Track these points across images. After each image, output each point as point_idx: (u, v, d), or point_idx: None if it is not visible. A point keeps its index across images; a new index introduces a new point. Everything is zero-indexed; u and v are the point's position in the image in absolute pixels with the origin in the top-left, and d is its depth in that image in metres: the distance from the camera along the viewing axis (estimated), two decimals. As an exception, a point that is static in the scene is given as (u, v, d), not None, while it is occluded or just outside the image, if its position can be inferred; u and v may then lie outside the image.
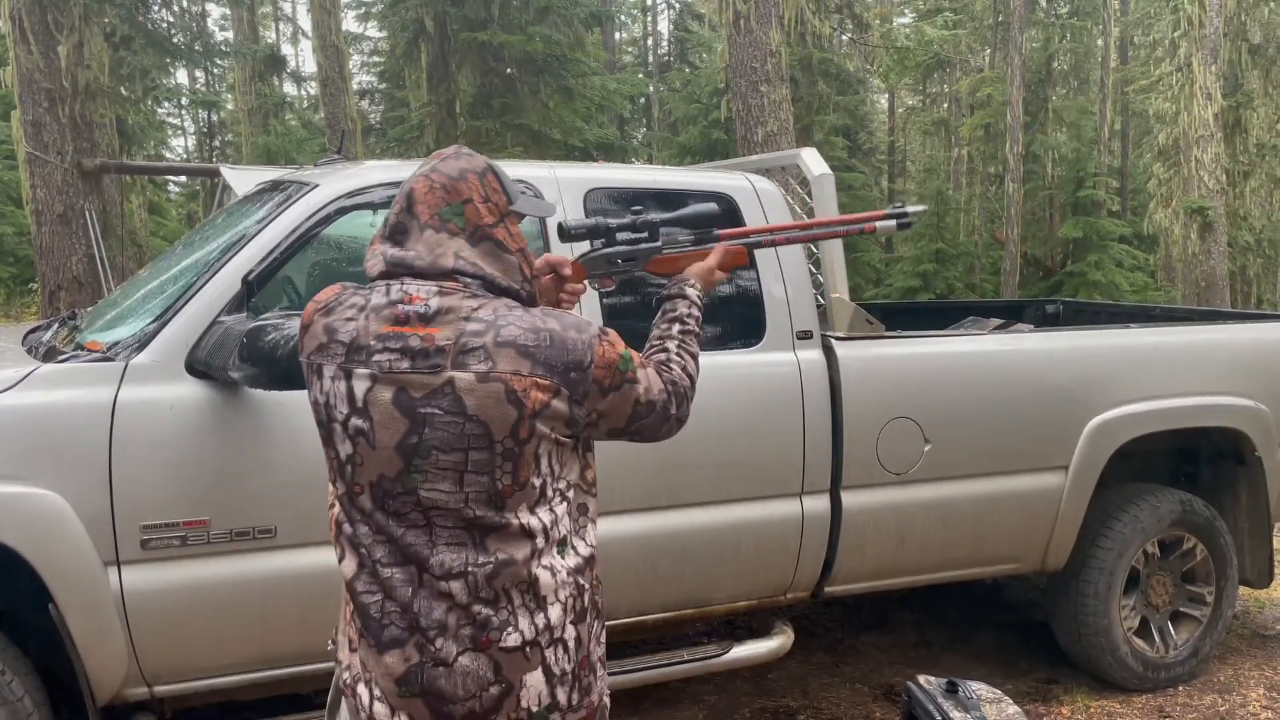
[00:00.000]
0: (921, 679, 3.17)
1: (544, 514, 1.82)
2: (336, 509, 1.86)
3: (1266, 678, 4.62)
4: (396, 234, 1.87)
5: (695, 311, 2.18)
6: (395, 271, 1.84)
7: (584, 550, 1.91)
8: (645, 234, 2.33)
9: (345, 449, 1.80)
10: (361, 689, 1.84)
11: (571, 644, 1.85)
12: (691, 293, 2.21)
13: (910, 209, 2.59)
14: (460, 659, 1.77)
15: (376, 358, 1.77)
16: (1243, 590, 5.00)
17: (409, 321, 1.77)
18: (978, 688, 3.10)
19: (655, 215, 2.35)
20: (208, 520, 2.89)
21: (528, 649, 1.80)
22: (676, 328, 2.13)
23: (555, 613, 1.82)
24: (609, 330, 1.90)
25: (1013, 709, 3.02)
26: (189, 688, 3.03)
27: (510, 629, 1.79)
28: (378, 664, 1.81)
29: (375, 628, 1.81)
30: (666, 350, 2.08)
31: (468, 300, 1.80)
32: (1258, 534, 4.66)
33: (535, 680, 1.80)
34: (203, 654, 2.99)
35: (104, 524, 2.79)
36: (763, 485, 3.64)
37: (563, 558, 1.85)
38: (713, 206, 2.39)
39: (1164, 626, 4.50)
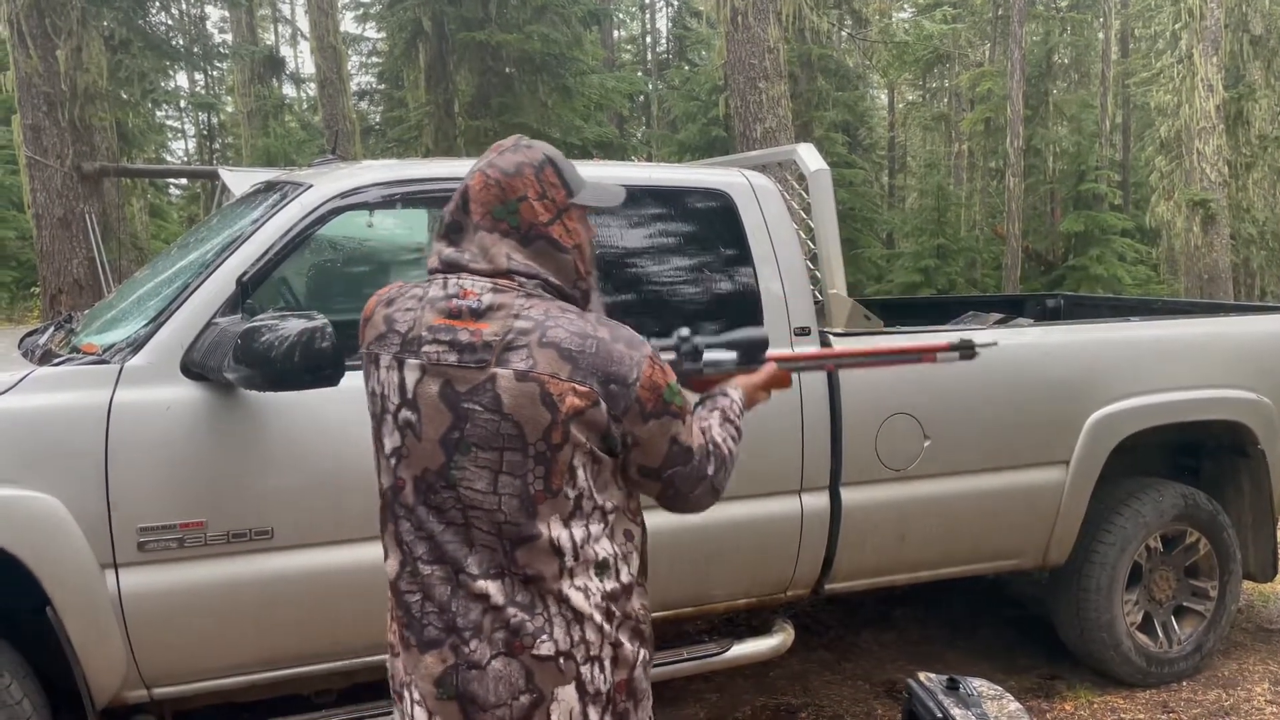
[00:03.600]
0: (923, 676, 3.15)
1: (577, 529, 1.78)
2: (382, 504, 1.86)
3: (1271, 672, 4.60)
4: (451, 233, 1.86)
5: (738, 408, 2.11)
6: (451, 269, 1.84)
7: (624, 577, 1.85)
8: (689, 355, 2.25)
9: (393, 440, 1.79)
10: (406, 694, 1.82)
11: (609, 663, 1.80)
12: (735, 394, 2.15)
13: (978, 343, 2.59)
14: (493, 663, 1.74)
15: (426, 349, 1.76)
16: (1247, 584, 4.98)
17: (460, 315, 1.77)
18: (979, 684, 3.08)
19: (700, 339, 2.27)
20: (204, 522, 2.88)
21: (561, 660, 1.75)
22: (718, 415, 2.07)
23: (591, 630, 1.78)
24: (662, 360, 1.85)
25: (1014, 705, 3.00)
26: (188, 689, 3.02)
27: (544, 636, 1.74)
28: (418, 665, 1.79)
29: (416, 627, 1.79)
30: (709, 424, 2.02)
31: (520, 298, 1.78)
32: (1261, 527, 4.64)
33: (568, 695, 1.75)
34: (201, 656, 2.98)
35: (101, 527, 2.78)
36: (761, 482, 3.62)
37: (601, 581, 1.80)
38: (764, 333, 2.33)
39: (1167, 621, 4.48)
